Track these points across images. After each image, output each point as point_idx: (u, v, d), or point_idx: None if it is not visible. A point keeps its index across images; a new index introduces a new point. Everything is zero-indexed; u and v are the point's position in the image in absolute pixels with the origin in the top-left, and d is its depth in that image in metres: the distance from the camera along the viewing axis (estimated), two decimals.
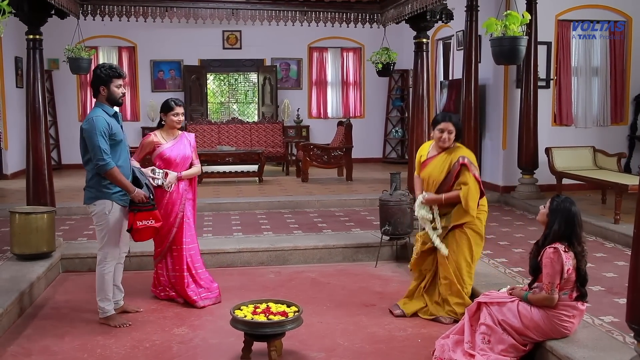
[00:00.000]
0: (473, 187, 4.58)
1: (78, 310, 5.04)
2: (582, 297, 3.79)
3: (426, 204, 4.77)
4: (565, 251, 3.65)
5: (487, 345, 3.83)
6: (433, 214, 4.76)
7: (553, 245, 3.67)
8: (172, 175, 5.06)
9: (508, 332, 3.82)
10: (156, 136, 5.14)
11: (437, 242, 4.72)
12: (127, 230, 4.65)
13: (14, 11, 4.85)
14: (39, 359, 4.14)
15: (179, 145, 5.16)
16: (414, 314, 4.85)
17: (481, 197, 4.68)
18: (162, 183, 5.02)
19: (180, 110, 5.10)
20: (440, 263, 4.79)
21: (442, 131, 4.68)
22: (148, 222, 4.60)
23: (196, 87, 13.26)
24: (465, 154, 4.68)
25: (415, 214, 4.88)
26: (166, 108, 5.10)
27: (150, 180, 4.94)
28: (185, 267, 5.14)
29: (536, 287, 3.82)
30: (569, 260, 3.65)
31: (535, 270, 3.79)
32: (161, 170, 5.05)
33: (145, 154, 5.21)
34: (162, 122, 5.15)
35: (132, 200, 4.59)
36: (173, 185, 5.09)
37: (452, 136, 4.68)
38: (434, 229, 4.77)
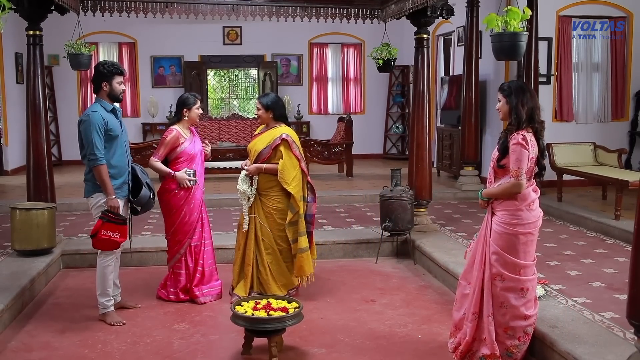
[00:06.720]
0: (288, 162, 4.98)
1: (79, 306, 5.05)
2: (538, 175, 3.86)
3: (250, 174, 5.05)
4: (530, 139, 3.71)
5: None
6: (252, 189, 5.05)
7: (521, 133, 3.71)
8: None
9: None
10: (179, 132, 5.07)
11: (245, 221, 5.08)
12: (90, 236, 4.61)
13: (13, 7, 4.85)
14: (40, 355, 4.15)
15: (196, 139, 5.20)
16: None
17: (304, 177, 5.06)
18: (197, 181, 5.07)
19: (199, 103, 5.20)
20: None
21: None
22: (113, 235, 4.52)
23: (196, 83, 13.23)
24: (288, 131, 5.10)
25: (237, 187, 5.10)
26: (190, 102, 5.09)
27: (187, 182, 4.98)
28: (201, 263, 5.14)
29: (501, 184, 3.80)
30: (534, 149, 3.73)
31: (504, 151, 3.80)
32: (192, 170, 5.04)
33: (168, 151, 5.05)
34: (185, 117, 5.09)
35: (107, 205, 4.55)
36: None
37: (260, 112, 5.12)
38: (248, 200, 5.07)
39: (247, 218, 5.07)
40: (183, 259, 5.12)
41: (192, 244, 5.13)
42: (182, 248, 5.11)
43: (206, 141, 5.44)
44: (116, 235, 4.54)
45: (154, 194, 4.86)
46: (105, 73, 4.61)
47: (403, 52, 10.91)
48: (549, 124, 9.29)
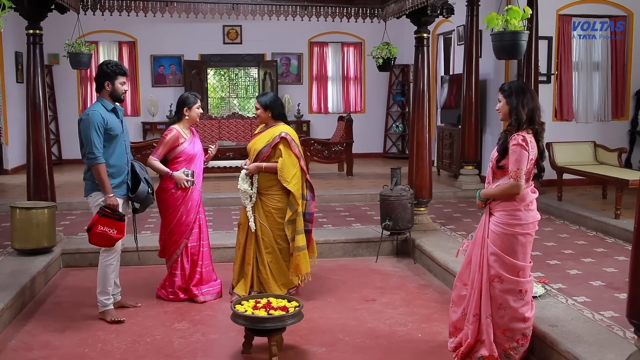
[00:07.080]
0: (287, 160, 4.98)
1: (79, 305, 5.05)
2: (537, 176, 3.85)
3: (249, 173, 5.04)
4: (530, 141, 3.70)
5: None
6: (252, 188, 5.06)
7: (521, 134, 3.71)
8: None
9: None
10: (180, 132, 5.06)
11: (251, 220, 5.05)
12: (86, 230, 4.61)
13: (13, 6, 4.84)
14: (40, 354, 4.15)
15: (196, 140, 5.19)
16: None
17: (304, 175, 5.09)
18: (194, 182, 5.07)
19: (199, 102, 5.21)
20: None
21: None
22: (109, 230, 4.51)
23: (196, 82, 13.22)
24: (287, 130, 5.11)
25: (238, 187, 5.11)
26: (190, 101, 5.09)
27: (185, 182, 4.97)
28: (199, 263, 5.14)
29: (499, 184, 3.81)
30: (533, 150, 3.72)
31: (504, 152, 3.79)
32: (190, 171, 5.04)
33: (167, 151, 5.05)
34: (185, 117, 5.09)
35: (105, 204, 4.55)
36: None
37: (259, 111, 5.13)
38: (251, 199, 5.09)
39: (252, 217, 5.06)
40: (179, 259, 5.12)
41: (189, 245, 5.12)
42: (179, 248, 5.10)
43: (217, 143, 5.45)
44: (112, 231, 4.53)
45: (152, 190, 4.86)
46: (108, 73, 4.62)
47: (403, 51, 10.91)
48: (549, 123, 9.26)
